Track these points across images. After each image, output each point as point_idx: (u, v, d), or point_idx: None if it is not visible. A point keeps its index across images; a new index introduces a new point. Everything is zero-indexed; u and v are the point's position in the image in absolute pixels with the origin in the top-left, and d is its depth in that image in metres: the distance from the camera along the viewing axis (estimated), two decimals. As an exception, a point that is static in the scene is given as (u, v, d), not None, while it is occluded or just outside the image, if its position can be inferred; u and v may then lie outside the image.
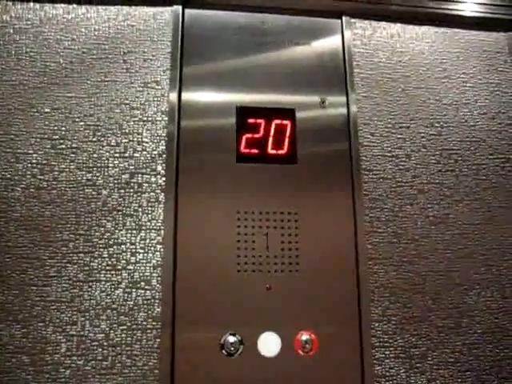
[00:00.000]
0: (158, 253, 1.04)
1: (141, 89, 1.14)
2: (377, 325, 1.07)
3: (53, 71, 1.13)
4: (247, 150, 1.11)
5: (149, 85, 1.14)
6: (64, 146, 1.08)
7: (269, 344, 1.02)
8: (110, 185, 1.07)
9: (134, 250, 1.04)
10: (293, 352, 1.03)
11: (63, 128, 1.09)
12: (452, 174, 1.19)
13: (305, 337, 1.03)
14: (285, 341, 1.03)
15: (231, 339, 1.01)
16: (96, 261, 1.03)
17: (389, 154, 1.17)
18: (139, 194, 1.07)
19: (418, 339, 1.08)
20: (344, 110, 1.18)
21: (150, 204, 1.07)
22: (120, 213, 1.06)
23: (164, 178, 1.08)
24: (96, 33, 1.16)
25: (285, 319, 1.04)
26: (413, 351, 1.07)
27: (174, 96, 1.12)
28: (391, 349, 1.06)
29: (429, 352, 1.08)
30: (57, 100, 1.11)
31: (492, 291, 1.13)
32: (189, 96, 1.13)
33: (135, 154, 1.09)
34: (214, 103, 1.14)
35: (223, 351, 1.00)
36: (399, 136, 1.19)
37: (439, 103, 1.24)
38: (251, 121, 1.13)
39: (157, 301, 1.02)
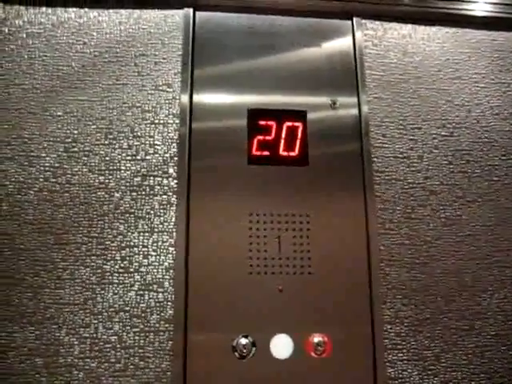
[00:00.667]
0: (170, 255, 1.05)
1: (152, 92, 1.14)
2: (389, 327, 1.06)
3: (65, 75, 1.13)
4: (259, 153, 1.11)
5: (160, 88, 1.15)
6: (76, 149, 1.09)
7: (281, 346, 1.02)
8: (122, 187, 1.07)
9: (146, 253, 1.04)
10: (305, 354, 1.03)
11: (75, 131, 1.10)
12: (464, 176, 1.19)
13: (317, 339, 1.03)
14: (297, 343, 1.03)
15: (243, 341, 1.01)
16: (109, 263, 1.03)
17: (400, 156, 1.17)
18: (151, 196, 1.07)
19: (431, 341, 1.07)
20: (355, 112, 1.17)
21: (162, 206, 1.07)
22: (132, 215, 1.06)
23: (176, 181, 1.09)
24: (108, 36, 1.17)
25: (297, 321, 1.04)
26: (426, 353, 1.07)
27: (185, 98, 1.13)
28: (404, 351, 1.06)
29: (442, 354, 1.07)
30: (69, 103, 1.11)
31: (505, 293, 1.13)
32: (200, 98, 1.13)
33: (147, 157, 1.10)
34: (225, 105, 1.14)
35: (235, 353, 1.01)
36: (411, 137, 1.19)
37: (451, 104, 1.23)
38: (262, 123, 1.13)
39: (169, 303, 1.02)
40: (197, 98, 1.13)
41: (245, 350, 1.00)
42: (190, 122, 1.11)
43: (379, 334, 1.05)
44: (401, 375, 1.05)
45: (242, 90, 1.15)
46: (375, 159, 1.15)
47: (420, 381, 1.05)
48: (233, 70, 1.17)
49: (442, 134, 1.20)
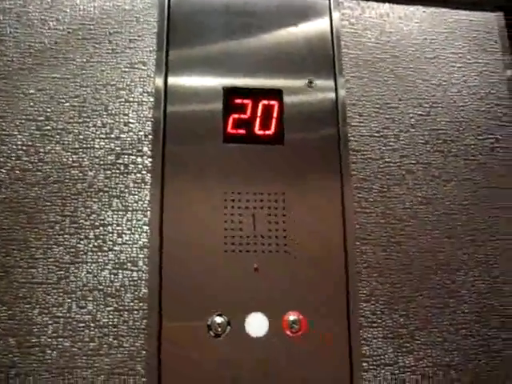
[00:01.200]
0: (144, 234, 1.04)
1: (127, 70, 1.13)
2: (365, 305, 1.07)
3: (37, 52, 1.11)
4: (234, 131, 1.10)
5: (135, 66, 1.13)
6: (49, 128, 1.07)
7: (256, 325, 1.02)
8: (96, 166, 1.06)
9: (120, 232, 1.03)
10: (280, 332, 1.02)
11: (48, 109, 1.08)
12: (440, 155, 1.19)
13: (292, 317, 1.03)
14: (272, 321, 1.02)
15: (218, 320, 1.01)
16: (82, 242, 1.02)
17: (377, 135, 1.17)
18: (125, 175, 1.06)
19: (406, 319, 1.08)
20: (332, 91, 1.17)
21: (136, 185, 1.06)
22: (106, 194, 1.05)
23: (150, 159, 1.08)
24: (81, 13, 1.15)
25: (272, 300, 1.04)
26: (401, 331, 1.07)
27: (160, 77, 1.11)
28: (379, 329, 1.06)
29: (416, 332, 1.08)
30: (41, 81, 1.10)
31: (480, 271, 1.13)
32: (175, 78, 1.12)
33: (121, 135, 1.08)
34: (201, 85, 1.13)
35: (210, 332, 1.00)
36: (387, 116, 1.19)
37: (428, 83, 1.23)
38: (238, 101, 1.12)
39: (143, 282, 1.01)
40: (172, 77, 1.12)
41: (220, 329, 1.00)
42: (165, 100, 1.10)
43: (355, 311, 1.05)
44: (376, 352, 1.05)
45: (218, 70, 1.14)
46: (351, 138, 1.15)
47: (395, 358, 1.06)
48: (208, 50, 1.15)
49: (419, 113, 1.20)
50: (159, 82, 1.11)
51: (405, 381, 1.06)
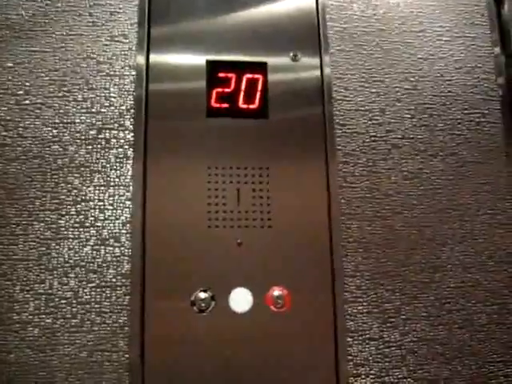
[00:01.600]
0: (126, 209, 1.02)
1: (108, 43, 1.11)
2: (350, 280, 1.06)
3: (15, 24, 1.09)
4: (217, 105, 1.09)
5: (116, 39, 1.11)
6: (28, 102, 1.05)
7: (240, 300, 1.01)
8: (77, 141, 1.04)
9: (102, 207, 1.02)
10: (265, 308, 1.02)
11: (27, 83, 1.06)
12: (427, 129, 1.18)
13: (277, 292, 1.02)
14: (256, 297, 1.02)
15: (202, 295, 1.00)
16: (64, 218, 1.00)
17: (362, 109, 1.16)
18: (107, 149, 1.05)
19: (391, 294, 1.07)
20: (317, 64, 1.15)
21: (118, 160, 1.04)
22: (88, 169, 1.03)
23: (132, 134, 1.06)
24: (60, -16, 1.12)
25: (256, 275, 1.03)
26: (386, 306, 1.07)
27: (142, 54, 1.09)
28: (364, 304, 1.06)
29: (402, 307, 1.08)
30: (20, 54, 1.07)
31: (465, 246, 1.13)
32: (157, 54, 1.10)
33: (102, 110, 1.07)
34: (184, 60, 1.11)
35: (194, 308, 1.00)
36: (373, 90, 1.17)
37: (414, 57, 1.22)
38: (222, 75, 1.10)
39: (126, 258, 1.00)
40: (154, 54, 1.10)
41: (203, 304, 0.99)
42: (147, 74, 1.08)
43: (339, 287, 1.04)
44: (361, 328, 1.05)
45: (201, 45, 1.12)
46: (336, 112, 1.14)
47: (380, 333, 1.06)
48: (191, 26, 1.13)
49: (405, 87, 1.19)
50: (141, 58, 1.08)
51: (390, 355, 1.05)
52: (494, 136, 1.21)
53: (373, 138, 1.14)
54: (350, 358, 1.04)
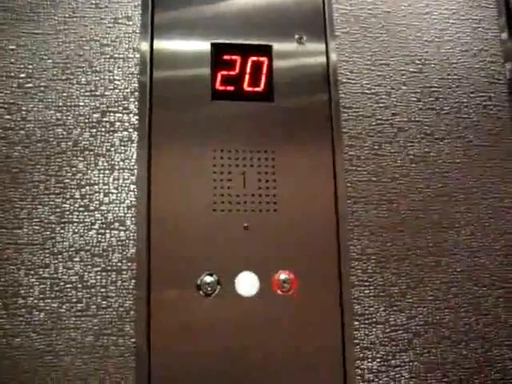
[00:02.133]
0: (131, 193, 1.02)
1: (111, 25, 1.09)
2: (356, 263, 1.06)
3: (18, 7, 1.07)
4: (223, 87, 1.08)
5: (119, 21, 1.10)
6: (32, 85, 1.04)
7: (246, 284, 1.01)
8: (81, 124, 1.03)
9: (107, 191, 1.01)
10: (271, 292, 1.01)
11: (30, 66, 1.05)
12: (433, 112, 1.17)
13: (283, 276, 1.02)
14: (263, 280, 1.01)
15: (208, 279, 0.99)
16: (68, 202, 1.00)
17: (368, 92, 1.15)
18: (111, 133, 1.04)
19: (398, 278, 1.07)
20: (322, 47, 1.14)
21: (122, 143, 1.04)
22: (92, 153, 1.02)
23: (137, 117, 1.05)
24: (63, -34, 1.10)
25: (263, 259, 1.02)
26: (392, 289, 1.06)
27: (146, 37, 1.08)
28: (371, 287, 1.06)
29: (408, 290, 1.07)
30: (22, 37, 1.06)
31: (472, 230, 1.13)
32: (162, 40, 1.09)
33: (106, 93, 1.06)
34: (189, 43, 1.09)
35: (200, 292, 0.99)
36: (379, 73, 1.16)
37: (420, 40, 1.21)
38: (227, 57, 1.09)
39: (131, 241, 1.00)
40: (158, 40, 1.08)
41: (209, 288, 0.99)
42: (151, 56, 1.07)
43: (346, 270, 1.04)
44: (367, 311, 1.05)
45: (206, 30, 1.11)
46: (343, 95, 1.13)
47: (386, 316, 1.05)
48: (195, 11, 1.12)
49: (411, 70, 1.18)
50: (145, 44, 1.07)
51: (396, 339, 1.05)
52: (500, 119, 1.20)
53: (379, 121, 1.13)
54: (356, 341, 1.04)
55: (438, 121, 1.16)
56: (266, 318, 1.00)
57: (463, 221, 1.12)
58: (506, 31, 1.25)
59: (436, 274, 1.09)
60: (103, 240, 0.99)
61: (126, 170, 1.02)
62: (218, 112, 1.06)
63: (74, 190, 1.00)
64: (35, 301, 0.96)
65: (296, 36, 1.13)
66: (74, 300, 0.96)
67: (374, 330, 1.04)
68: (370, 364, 1.03)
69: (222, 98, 1.07)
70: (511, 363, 1.09)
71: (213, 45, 1.09)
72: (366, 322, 1.04)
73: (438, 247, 1.10)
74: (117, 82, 1.06)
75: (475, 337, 1.08)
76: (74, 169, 1.01)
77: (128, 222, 1.00)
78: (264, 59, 1.10)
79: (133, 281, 0.98)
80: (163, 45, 1.08)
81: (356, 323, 1.04)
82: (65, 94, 1.04)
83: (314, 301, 1.03)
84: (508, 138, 1.19)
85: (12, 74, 1.03)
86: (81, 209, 1.00)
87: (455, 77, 1.20)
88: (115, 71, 1.07)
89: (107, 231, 0.99)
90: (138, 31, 1.09)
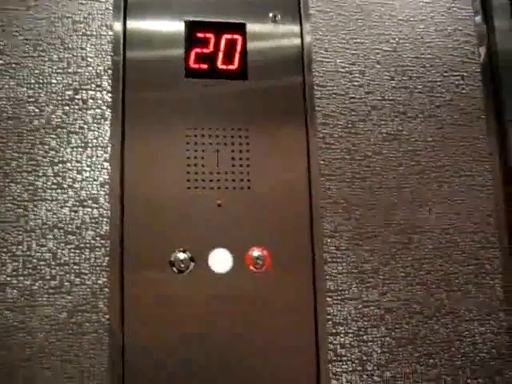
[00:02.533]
0: (104, 170, 1.02)
1: (84, 1, 1.08)
2: (329, 240, 1.07)
3: (-13, -18, 1.06)
4: (196, 65, 1.08)
5: (92, -3, 1.08)
6: (2, 62, 1.03)
7: (220, 260, 1.01)
8: (54, 101, 1.03)
9: (80, 168, 1.01)
10: (244, 268, 1.02)
11: (1, 43, 1.04)
12: (406, 91, 1.18)
13: (256, 253, 1.02)
14: (236, 257, 1.02)
15: (181, 256, 1.00)
16: (41, 180, 0.99)
17: (342, 70, 1.15)
18: (84, 110, 1.03)
19: (370, 255, 1.08)
20: (297, 25, 1.14)
21: (95, 121, 1.03)
22: (65, 130, 1.02)
23: (110, 94, 1.04)
24: None
25: (236, 236, 1.03)
26: (365, 266, 1.08)
27: (119, 17, 1.07)
28: (343, 264, 1.07)
29: (380, 267, 1.08)
30: (-8, 13, 1.04)
31: (443, 208, 1.14)
32: (134, 19, 1.08)
33: (79, 70, 1.05)
34: (163, 23, 1.09)
35: (173, 268, 0.99)
36: (353, 52, 1.17)
37: (395, 19, 1.21)
38: (200, 35, 1.09)
39: (105, 219, 1.00)
40: (131, 17, 1.07)
41: (183, 265, 0.99)
42: (124, 33, 1.06)
43: (319, 247, 1.05)
44: (340, 287, 1.06)
45: (180, 8, 1.10)
46: (316, 73, 1.13)
47: (359, 293, 1.07)
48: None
49: (385, 49, 1.18)
50: (118, 25, 1.07)
51: (368, 315, 1.06)
52: (473, 99, 1.21)
53: (352, 100, 1.14)
54: (329, 317, 1.05)
55: (412, 99, 1.17)
56: (239, 295, 1.01)
57: (435, 198, 1.14)
58: (479, 15, 1.26)
59: (408, 252, 1.10)
60: (76, 218, 0.99)
61: (99, 148, 1.02)
62: (191, 90, 1.06)
63: (46, 168, 1.00)
64: (8, 278, 0.95)
65: (270, 14, 1.13)
66: (48, 277, 0.96)
67: (347, 306, 1.06)
68: (342, 339, 1.05)
69: (196, 76, 1.07)
70: (480, 337, 1.11)
71: (186, 22, 1.09)
72: (339, 297, 1.06)
73: (409, 224, 1.11)
74: (90, 60, 1.05)
75: (446, 312, 1.11)
76: (46, 146, 1.01)
77: (101, 200, 1.00)
78: (238, 37, 1.10)
79: (106, 258, 0.98)
80: (136, 24, 1.08)
81: (329, 299, 1.05)
82: (37, 71, 1.03)
83: (287, 278, 1.04)
84: (480, 117, 1.20)
85: (-17, 51, 1.02)
86: (54, 186, 0.99)
87: (429, 56, 1.21)
88: (88, 48, 1.06)
89: (80, 209, 0.99)
90: (110, 8, 1.08)
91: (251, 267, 1.02)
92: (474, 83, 1.21)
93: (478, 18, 1.25)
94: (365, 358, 1.05)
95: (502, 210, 1.16)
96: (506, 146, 1.19)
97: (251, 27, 1.11)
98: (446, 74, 1.20)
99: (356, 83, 1.14)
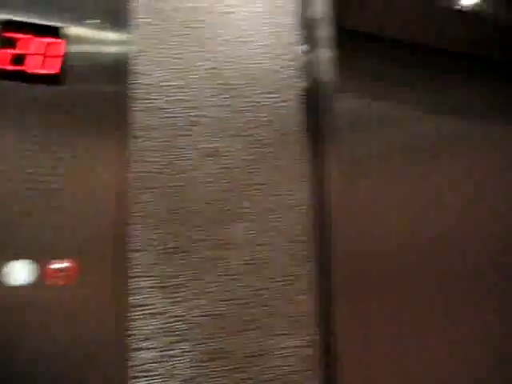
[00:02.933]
0: None
1: None
2: (136, 255, 1.06)
3: None
4: (8, 67, 1.02)
5: None
6: None
7: (16, 273, 0.97)
8: None
9: None
10: (45, 281, 0.98)
11: None
12: (227, 109, 1.20)
13: (58, 265, 0.99)
14: (37, 269, 0.98)
15: (-29, 267, 0.94)
16: None
17: (162, 84, 1.15)
18: None
19: (179, 270, 1.08)
20: (121, 36, 1.12)
21: None
22: None
23: None
24: None
25: (37, 246, 0.99)
26: (172, 281, 1.07)
27: None
28: (150, 278, 1.06)
29: (189, 282, 1.08)
30: None
31: (257, 225, 1.17)
32: None
33: None
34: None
35: (-38, 280, 0.93)
36: (176, 67, 1.17)
37: (221, 38, 1.23)
38: (12, 35, 1.04)
39: None
40: None
41: (-28, 277, 0.94)
42: None
43: (124, 261, 1.03)
44: (145, 302, 1.05)
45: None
46: (135, 86, 1.12)
47: (165, 308, 1.06)
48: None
49: (209, 66, 1.20)
50: None
51: (175, 330, 1.06)
52: (292, 121, 1.26)
53: (171, 115, 1.14)
54: (132, 332, 1.03)
55: (233, 117, 1.19)
56: (38, 310, 0.97)
57: (248, 216, 1.16)
58: (306, 44, 1.32)
59: (217, 267, 1.11)
60: None
61: None
62: (1, 93, 1.01)
63: None
64: None
65: (94, 21, 1.11)
66: None
67: (152, 320, 1.05)
68: (144, 355, 1.03)
69: (6, 78, 1.02)
70: (286, 351, 1.15)
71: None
72: (145, 312, 1.05)
73: (220, 240, 1.12)
74: None
75: (255, 327, 1.12)
76: None
77: None
78: (57, 41, 1.06)
79: None
80: None
81: (135, 314, 1.04)
82: None
83: (91, 291, 1.01)
84: (298, 140, 1.25)
85: None
86: None
87: (252, 77, 1.24)
88: None
89: None
90: None
91: (52, 280, 0.98)
92: (294, 106, 1.26)
93: (304, 47, 1.31)
94: (172, 372, 1.05)
95: (316, 227, 1.21)
96: (323, 168, 1.25)
97: (72, 32, 1.08)
98: (268, 96, 1.24)
99: (176, 98, 1.15)
